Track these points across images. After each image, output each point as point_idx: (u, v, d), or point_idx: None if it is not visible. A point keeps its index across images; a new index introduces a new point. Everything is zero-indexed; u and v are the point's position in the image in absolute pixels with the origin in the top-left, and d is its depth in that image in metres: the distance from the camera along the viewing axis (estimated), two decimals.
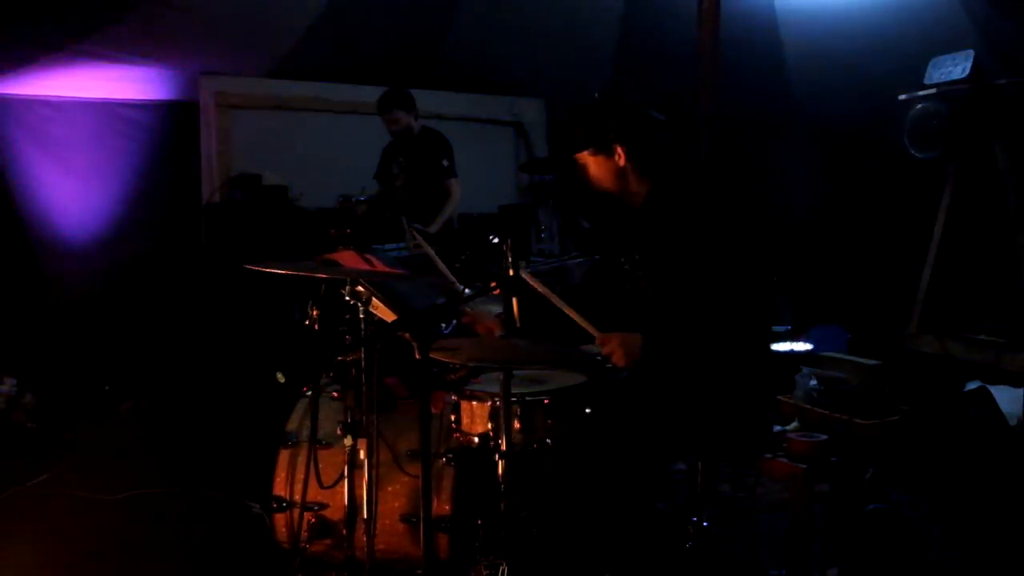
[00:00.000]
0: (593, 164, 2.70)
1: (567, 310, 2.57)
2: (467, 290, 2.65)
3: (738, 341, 2.52)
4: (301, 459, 2.90)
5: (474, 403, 2.68)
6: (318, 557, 2.89)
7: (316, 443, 2.81)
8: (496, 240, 2.57)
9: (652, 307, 2.68)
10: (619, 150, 2.65)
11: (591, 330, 2.59)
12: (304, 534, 2.87)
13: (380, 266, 2.88)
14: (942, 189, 4.82)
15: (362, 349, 2.54)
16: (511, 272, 2.49)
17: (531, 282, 2.59)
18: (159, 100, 5.70)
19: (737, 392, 2.58)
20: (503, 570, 2.47)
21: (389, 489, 2.84)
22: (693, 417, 2.58)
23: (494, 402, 2.59)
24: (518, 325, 2.55)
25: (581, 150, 2.70)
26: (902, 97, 4.71)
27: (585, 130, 2.69)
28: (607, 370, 3.02)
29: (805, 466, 2.73)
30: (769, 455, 2.78)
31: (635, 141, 2.66)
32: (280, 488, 2.96)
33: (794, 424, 3.26)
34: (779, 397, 3.32)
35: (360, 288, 2.55)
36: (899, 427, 4.00)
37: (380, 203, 5.17)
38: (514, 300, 2.52)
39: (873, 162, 5.54)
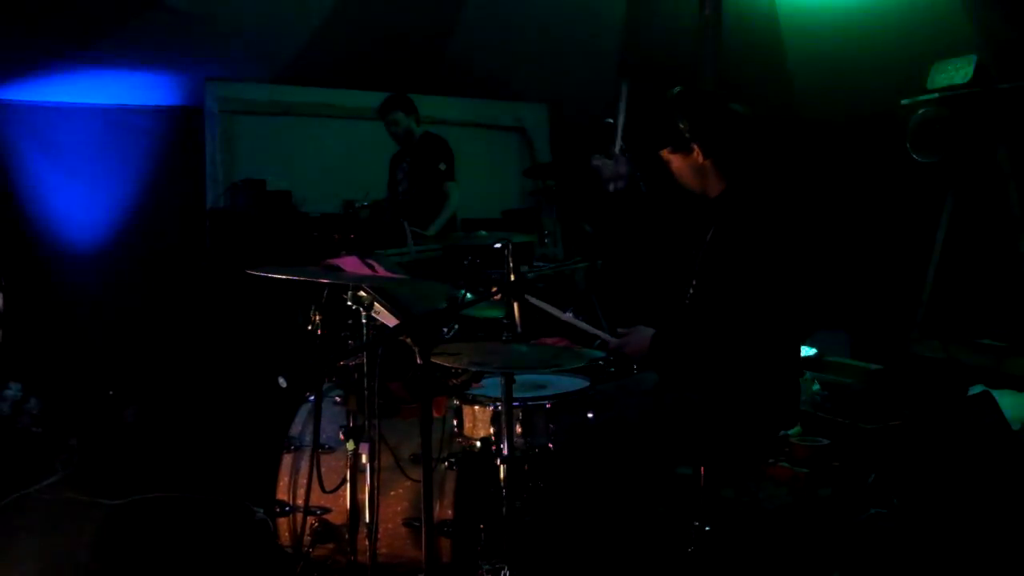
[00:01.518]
0: (674, 161, 2.65)
1: (577, 324, 2.59)
2: (469, 295, 2.66)
3: (754, 351, 2.50)
4: (304, 463, 2.92)
5: (476, 407, 2.69)
6: (321, 561, 2.90)
7: (318, 447, 2.82)
8: (498, 245, 2.58)
9: (691, 304, 2.66)
10: (696, 148, 2.59)
11: (604, 337, 2.62)
12: (307, 538, 2.88)
13: (382, 271, 2.90)
14: (945, 193, 4.83)
15: (364, 354, 2.55)
16: (513, 277, 2.50)
17: (538, 304, 2.61)
18: (164, 106, 5.72)
19: (745, 396, 2.58)
20: (505, 574, 2.48)
21: (391, 493, 2.85)
22: (697, 421, 2.58)
23: (496, 407, 2.59)
24: (519, 330, 2.55)
25: (660, 148, 2.65)
26: (905, 102, 4.71)
27: (662, 127, 2.63)
28: (609, 375, 3.04)
29: (807, 470, 2.73)
30: (772, 459, 2.77)
31: (712, 139, 2.58)
32: (283, 492, 2.97)
33: (796, 429, 3.26)
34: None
35: (362, 293, 2.56)
36: (902, 432, 4.00)
37: (382, 208, 5.19)
38: (515, 305, 2.52)
39: (876, 166, 5.53)
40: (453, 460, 2.86)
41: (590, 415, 2.68)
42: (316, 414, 2.82)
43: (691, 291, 2.65)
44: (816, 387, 4.33)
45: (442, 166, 5.20)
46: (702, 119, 2.58)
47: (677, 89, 2.66)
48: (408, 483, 2.84)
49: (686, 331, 2.57)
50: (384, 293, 2.66)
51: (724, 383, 2.54)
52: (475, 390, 2.78)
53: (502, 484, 2.50)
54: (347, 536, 2.71)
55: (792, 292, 2.54)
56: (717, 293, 2.51)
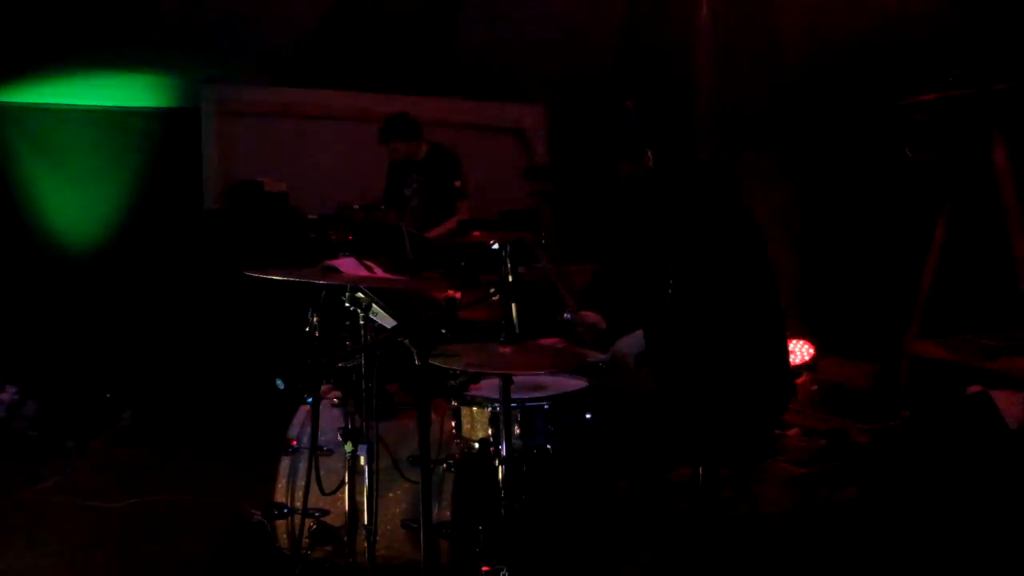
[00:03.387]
0: (625, 169, 2.76)
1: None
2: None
3: (740, 338, 2.52)
4: (302, 466, 2.91)
5: (474, 409, 2.69)
6: (319, 563, 2.89)
7: (317, 450, 2.82)
8: (496, 246, 2.58)
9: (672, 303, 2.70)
10: (648, 154, 2.71)
11: (599, 355, 2.73)
12: (305, 540, 2.87)
13: (380, 273, 2.89)
14: (942, 193, 4.83)
15: (362, 355, 2.54)
16: (510, 278, 2.50)
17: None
18: (161, 107, 5.71)
19: (742, 396, 2.59)
20: None
21: (390, 495, 2.84)
22: (695, 422, 2.58)
23: (494, 408, 2.59)
24: (517, 331, 2.55)
25: (614, 157, 2.77)
26: (901, 102, 4.72)
27: (617, 138, 2.76)
28: (607, 375, 3.03)
29: (806, 470, 2.73)
30: (770, 459, 2.77)
31: (664, 149, 2.71)
32: (281, 495, 2.96)
33: (795, 429, 3.26)
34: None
35: (360, 294, 2.55)
36: (900, 431, 4.01)
37: (380, 213, 5.14)
38: (513, 306, 2.52)
39: (873, 166, 5.54)
40: (451, 462, 2.85)
41: (588, 416, 2.68)
42: (314, 416, 2.81)
43: (670, 285, 2.69)
44: (814, 387, 4.34)
45: (457, 183, 5.19)
46: (654, 128, 2.72)
47: (629, 102, 2.78)
48: (406, 485, 2.84)
49: (677, 322, 2.61)
50: (382, 294, 2.65)
51: (717, 380, 2.56)
52: (473, 391, 2.78)
53: (500, 485, 2.49)
54: (345, 538, 2.70)
55: (763, 277, 2.59)
56: (697, 283, 2.56)
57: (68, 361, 5.21)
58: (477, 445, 2.70)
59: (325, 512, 2.89)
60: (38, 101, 5.31)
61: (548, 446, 2.62)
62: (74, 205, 5.44)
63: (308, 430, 2.90)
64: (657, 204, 2.79)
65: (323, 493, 2.78)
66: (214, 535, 3.41)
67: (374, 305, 2.57)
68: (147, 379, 5.21)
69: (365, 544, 2.60)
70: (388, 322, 2.67)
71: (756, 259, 2.61)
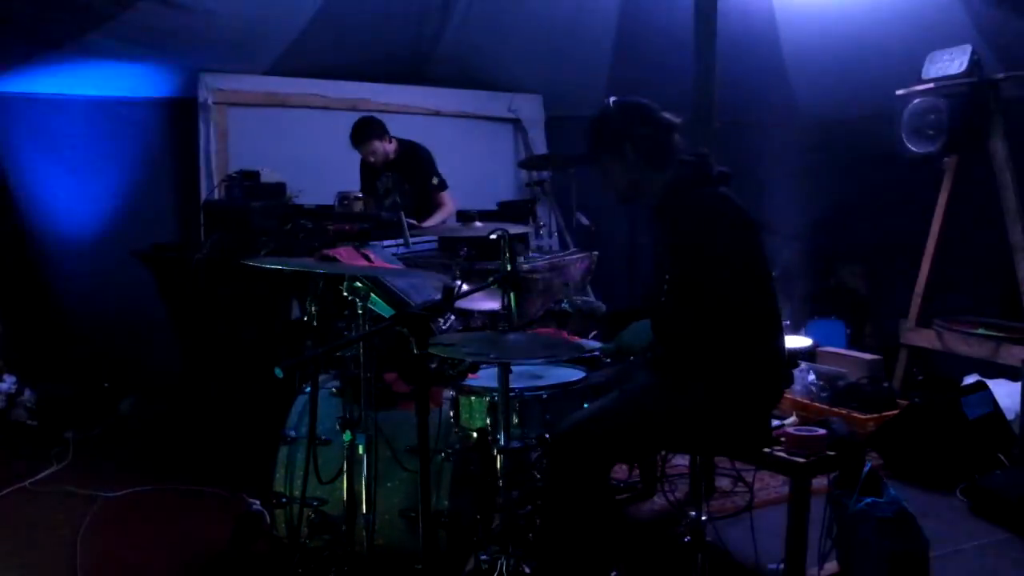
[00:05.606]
0: (610, 167, 2.77)
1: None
2: (465, 286, 2.65)
3: (734, 327, 2.53)
4: (300, 455, 2.91)
5: (472, 398, 2.69)
6: (318, 552, 2.90)
7: (315, 439, 2.82)
8: (495, 236, 2.57)
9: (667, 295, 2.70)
10: (631, 153, 2.70)
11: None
12: (304, 530, 2.87)
13: (378, 262, 2.89)
14: (940, 183, 4.84)
15: (360, 344, 2.55)
16: (509, 268, 2.50)
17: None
18: (157, 97, 5.69)
19: (739, 386, 2.60)
20: (502, 564, 2.48)
21: (388, 484, 2.85)
22: (693, 411, 2.59)
23: (492, 397, 2.60)
24: (516, 321, 2.55)
25: (597, 155, 2.77)
26: (900, 92, 4.72)
27: (600, 136, 2.76)
28: (604, 365, 3.04)
29: (803, 460, 2.74)
30: (767, 450, 2.78)
31: (646, 143, 2.70)
32: (279, 484, 2.97)
33: (792, 418, 3.27)
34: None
35: (358, 283, 2.55)
36: (897, 422, 4.02)
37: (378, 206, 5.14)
38: (512, 296, 2.52)
39: (871, 157, 5.54)
40: (450, 451, 2.86)
41: (586, 405, 2.68)
42: (312, 405, 2.81)
43: (665, 285, 2.69)
44: (812, 377, 4.34)
45: (435, 180, 5.20)
46: (637, 125, 2.70)
47: (611, 100, 2.76)
48: (404, 474, 2.84)
49: (672, 313, 2.62)
50: (380, 283, 2.65)
51: (713, 369, 2.57)
52: (471, 380, 2.78)
53: (499, 474, 2.50)
54: (344, 527, 2.71)
55: (757, 268, 2.60)
56: (691, 275, 2.56)
57: (66, 350, 5.21)
58: (475, 434, 2.70)
59: (323, 501, 2.89)
60: (35, 91, 5.29)
61: (546, 435, 2.63)
62: (71, 195, 5.42)
63: (306, 419, 2.91)
64: (648, 198, 2.78)
65: (321, 482, 2.79)
66: (212, 524, 3.41)
67: (372, 294, 2.57)
68: (145, 368, 5.21)
69: (363, 533, 2.61)
70: (386, 311, 2.67)
71: (749, 251, 2.60)
